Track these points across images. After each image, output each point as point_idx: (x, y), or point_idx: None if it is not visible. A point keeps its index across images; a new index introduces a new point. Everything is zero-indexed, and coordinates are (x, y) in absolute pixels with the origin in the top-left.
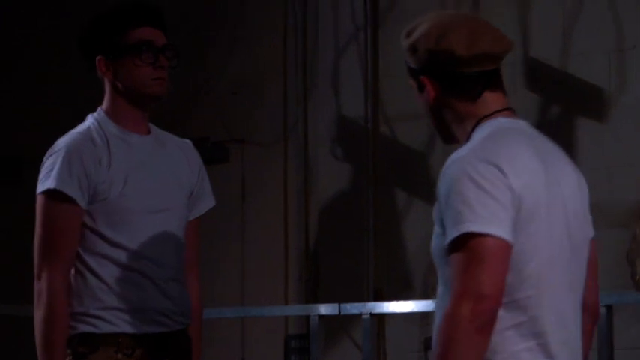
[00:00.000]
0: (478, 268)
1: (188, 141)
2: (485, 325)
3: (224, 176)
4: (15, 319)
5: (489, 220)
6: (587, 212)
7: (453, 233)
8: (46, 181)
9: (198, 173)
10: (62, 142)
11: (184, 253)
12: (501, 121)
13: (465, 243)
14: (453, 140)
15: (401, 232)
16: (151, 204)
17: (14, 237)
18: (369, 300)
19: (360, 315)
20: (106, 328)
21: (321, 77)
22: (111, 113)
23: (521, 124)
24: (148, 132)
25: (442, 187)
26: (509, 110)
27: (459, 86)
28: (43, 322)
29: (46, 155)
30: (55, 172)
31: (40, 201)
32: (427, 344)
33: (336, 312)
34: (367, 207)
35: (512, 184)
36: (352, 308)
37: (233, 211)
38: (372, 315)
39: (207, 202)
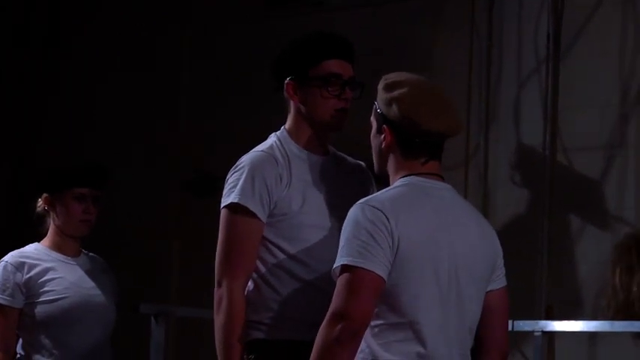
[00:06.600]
0: (349, 294)
1: (362, 163)
2: (345, 341)
3: None
4: (197, 321)
5: (364, 256)
6: (493, 264)
7: (337, 262)
8: (229, 196)
9: (369, 193)
10: (245, 159)
11: None
12: (420, 180)
13: (343, 272)
14: (384, 177)
15: (573, 255)
16: (327, 220)
17: (204, 245)
18: (540, 318)
19: (532, 332)
20: (278, 335)
21: (502, 107)
22: (293, 133)
23: (440, 186)
24: (327, 152)
25: (345, 222)
26: (437, 176)
27: (409, 147)
28: (222, 328)
29: (230, 172)
30: (238, 187)
31: (223, 214)
32: None
33: (510, 328)
34: (542, 230)
35: (393, 230)
36: (525, 325)
37: None
38: (544, 333)
39: None
